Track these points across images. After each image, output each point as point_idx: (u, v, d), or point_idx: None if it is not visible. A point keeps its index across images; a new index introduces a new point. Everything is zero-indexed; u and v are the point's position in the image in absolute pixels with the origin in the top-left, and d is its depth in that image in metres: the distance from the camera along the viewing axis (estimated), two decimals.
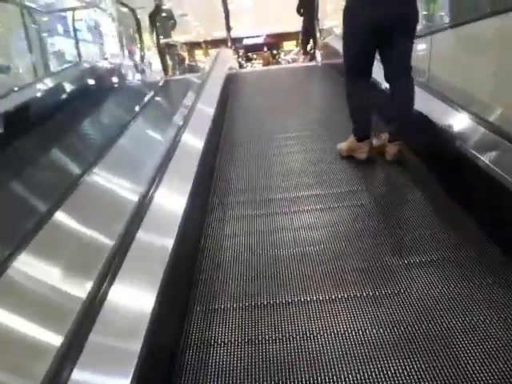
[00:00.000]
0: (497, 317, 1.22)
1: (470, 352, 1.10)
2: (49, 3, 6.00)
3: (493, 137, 1.76)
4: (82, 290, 0.98)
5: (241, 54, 17.65)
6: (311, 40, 7.24)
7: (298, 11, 7.42)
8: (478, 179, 1.70)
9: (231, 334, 1.24)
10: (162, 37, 6.95)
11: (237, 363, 1.14)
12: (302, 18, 7.48)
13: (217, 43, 22.05)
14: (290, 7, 15.34)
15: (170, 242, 1.26)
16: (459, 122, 2.03)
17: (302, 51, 8.54)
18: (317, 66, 5.98)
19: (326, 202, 2.00)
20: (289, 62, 20.31)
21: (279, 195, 2.11)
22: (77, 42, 5.49)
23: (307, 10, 7.02)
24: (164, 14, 7.39)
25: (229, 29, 6.68)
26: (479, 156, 1.68)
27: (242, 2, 15.59)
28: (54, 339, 0.84)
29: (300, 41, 9.03)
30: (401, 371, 1.07)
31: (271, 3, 15.66)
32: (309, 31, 7.18)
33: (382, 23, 2.10)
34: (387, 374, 1.07)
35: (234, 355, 1.16)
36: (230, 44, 6.83)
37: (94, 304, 0.93)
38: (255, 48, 20.87)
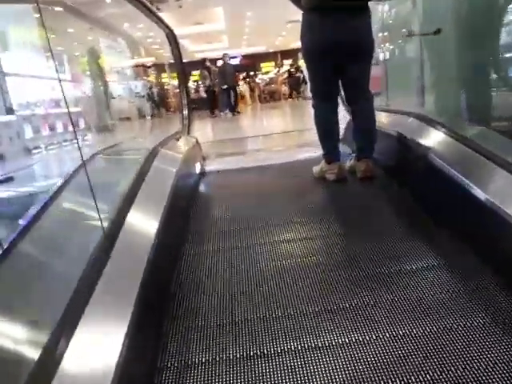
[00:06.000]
0: None
1: None
2: None
3: None
4: None
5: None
6: None
7: None
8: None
9: None
10: None
11: None
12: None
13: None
14: (267, 26, 13.89)
15: None
16: None
17: None
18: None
19: None
20: (267, 84, 18.87)
21: None
22: None
23: None
24: None
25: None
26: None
27: (215, 23, 13.91)
28: None
29: None
30: None
31: (246, 23, 14.00)
32: None
33: (333, 49, 2.07)
34: None
35: None
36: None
37: None
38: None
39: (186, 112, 3.15)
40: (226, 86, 10.58)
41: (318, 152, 2.98)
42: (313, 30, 2.07)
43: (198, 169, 2.47)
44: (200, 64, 12.15)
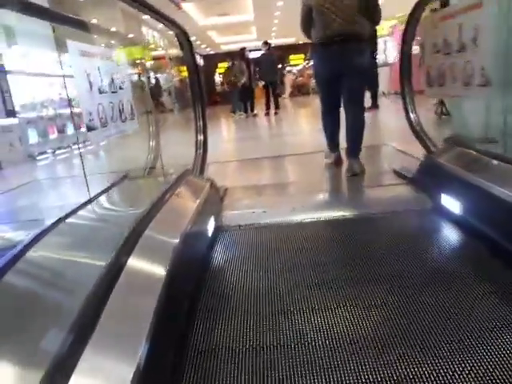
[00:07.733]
0: None
1: None
2: None
3: None
4: None
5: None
6: None
7: None
8: None
9: None
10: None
11: None
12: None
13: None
14: (297, 17, 13.08)
15: None
16: None
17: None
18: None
19: None
20: (296, 77, 18.13)
21: None
22: None
23: None
24: None
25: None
26: None
27: (243, 14, 13.19)
28: None
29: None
30: None
31: (275, 14, 13.22)
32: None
33: (333, 72, 2.91)
34: None
35: None
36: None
37: None
38: None
39: (201, 137, 2.45)
40: (263, 82, 9.62)
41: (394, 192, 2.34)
42: (318, 57, 3.01)
43: (211, 227, 1.76)
44: (235, 55, 10.49)
